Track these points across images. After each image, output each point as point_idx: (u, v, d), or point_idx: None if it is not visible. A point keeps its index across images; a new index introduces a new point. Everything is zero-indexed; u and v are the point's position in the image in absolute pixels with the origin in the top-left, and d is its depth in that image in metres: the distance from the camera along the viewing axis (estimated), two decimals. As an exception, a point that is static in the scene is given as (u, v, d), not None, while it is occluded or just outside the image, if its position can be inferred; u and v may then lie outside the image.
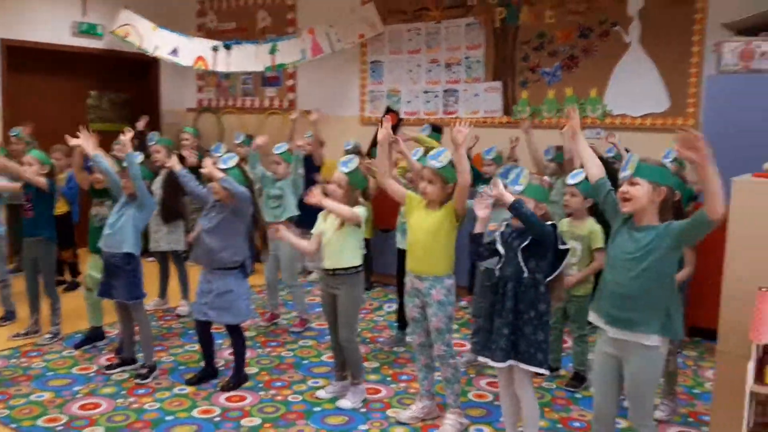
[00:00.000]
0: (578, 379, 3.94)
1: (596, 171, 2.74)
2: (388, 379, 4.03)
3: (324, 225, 3.58)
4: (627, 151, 4.90)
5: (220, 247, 3.64)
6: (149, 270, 4.74)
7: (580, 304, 3.87)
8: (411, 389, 3.87)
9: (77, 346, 4.41)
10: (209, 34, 8.05)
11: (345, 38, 6.86)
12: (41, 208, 4.48)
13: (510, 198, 2.82)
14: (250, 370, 4.08)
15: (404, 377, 4.07)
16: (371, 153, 6.91)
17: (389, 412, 3.56)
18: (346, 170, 3.51)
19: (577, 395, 3.85)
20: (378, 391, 3.83)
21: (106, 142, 5.25)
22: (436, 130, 5.64)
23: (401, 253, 4.40)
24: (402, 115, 6.80)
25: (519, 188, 2.92)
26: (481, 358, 3.08)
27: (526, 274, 2.88)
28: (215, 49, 7.14)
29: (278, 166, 4.87)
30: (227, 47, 7.12)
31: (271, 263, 4.97)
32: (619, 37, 5.58)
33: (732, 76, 4.68)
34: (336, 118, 7.26)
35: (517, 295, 2.89)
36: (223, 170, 3.64)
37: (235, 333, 3.82)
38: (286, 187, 4.84)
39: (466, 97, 6.43)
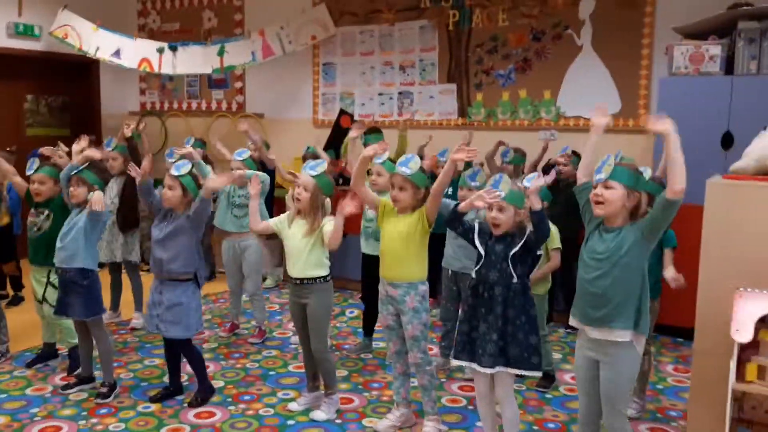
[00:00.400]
0: (548, 379, 3.98)
1: (586, 173, 2.76)
2: (360, 387, 3.97)
3: (288, 230, 3.47)
4: (575, 153, 5.00)
5: (171, 258, 3.49)
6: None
7: (538, 303, 3.89)
8: (384, 397, 3.82)
9: (29, 365, 4.18)
10: (152, 35, 7.81)
11: (297, 40, 6.76)
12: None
13: (539, 204, 2.82)
14: (215, 383, 3.94)
15: (375, 385, 4.02)
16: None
17: (365, 422, 3.51)
18: (314, 173, 3.43)
19: (548, 395, 3.89)
20: (351, 401, 3.76)
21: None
22: (377, 131, 5.62)
23: (366, 259, 4.37)
24: (356, 118, 6.74)
25: (501, 194, 2.91)
26: (459, 362, 3.06)
27: (515, 280, 2.88)
28: (160, 50, 6.91)
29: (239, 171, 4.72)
30: (173, 49, 6.90)
31: (234, 271, 4.82)
32: (572, 40, 5.69)
33: (683, 78, 4.84)
34: (288, 120, 7.16)
35: (506, 301, 2.88)
36: (176, 177, 3.51)
37: (186, 347, 3.67)
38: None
39: (421, 99, 6.43)
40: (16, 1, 7.02)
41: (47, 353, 4.28)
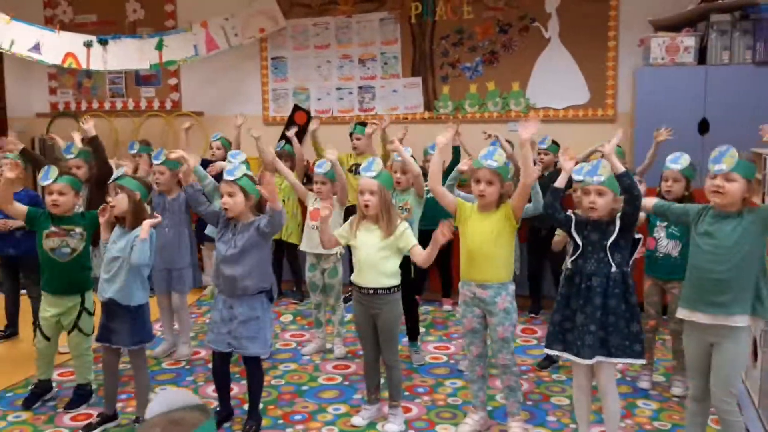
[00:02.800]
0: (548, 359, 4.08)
1: (650, 201, 3.00)
2: (407, 394, 3.79)
3: (355, 239, 3.25)
4: (554, 143, 5.10)
5: (245, 274, 3.16)
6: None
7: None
8: (439, 401, 3.68)
9: (27, 406, 3.59)
10: (63, 28, 7.00)
11: (243, 33, 6.36)
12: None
13: (621, 166, 2.79)
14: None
15: (420, 390, 3.86)
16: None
17: (439, 429, 3.35)
18: (374, 174, 3.20)
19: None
20: (409, 409, 3.58)
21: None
22: (362, 124, 5.49)
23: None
24: (313, 114, 6.47)
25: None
26: (552, 352, 3.02)
27: (614, 269, 2.86)
28: (88, 44, 6.21)
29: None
30: (103, 42, 6.23)
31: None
32: (539, 32, 5.79)
33: (659, 68, 5.08)
34: (233, 118, 6.70)
35: (606, 291, 2.86)
36: (233, 181, 3.17)
37: (255, 365, 3.34)
38: None
39: (383, 93, 6.28)
40: None
41: (43, 389, 3.70)
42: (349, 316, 4.52)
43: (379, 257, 3.18)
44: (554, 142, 5.09)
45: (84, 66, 6.24)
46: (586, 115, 5.74)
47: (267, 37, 6.49)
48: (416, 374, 4.08)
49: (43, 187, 4.34)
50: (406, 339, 4.27)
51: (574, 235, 2.94)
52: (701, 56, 5.03)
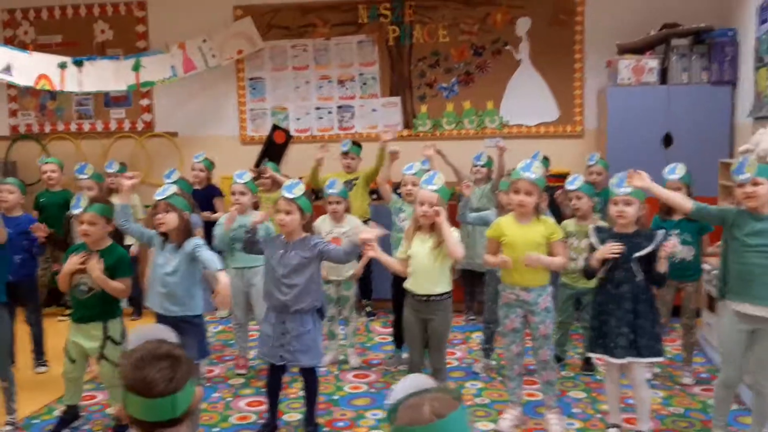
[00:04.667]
0: (590, 363, 4.36)
1: (689, 202, 3.23)
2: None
3: (414, 248, 3.44)
4: (547, 159, 5.49)
5: (299, 295, 3.31)
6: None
7: (590, 295, 4.26)
8: (466, 402, 3.91)
9: (56, 434, 3.55)
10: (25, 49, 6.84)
11: (221, 54, 6.43)
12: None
13: (665, 267, 3.11)
14: (290, 416, 3.73)
15: (446, 392, 4.08)
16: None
17: (479, 425, 3.58)
18: (435, 188, 3.41)
19: (599, 377, 4.26)
20: (443, 410, 3.79)
21: None
22: (357, 144, 5.69)
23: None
24: (292, 133, 6.61)
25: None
26: (594, 355, 3.34)
27: (639, 278, 3.19)
28: (62, 66, 6.11)
29: (243, 197, 4.42)
30: (78, 64, 6.15)
31: (241, 301, 4.49)
32: (511, 54, 6.19)
33: (626, 88, 5.57)
34: (208, 138, 6.75)
35: (635, 297, 3.19)
36: (292, 199, 3.31)
37: (310, 375, 3.47)
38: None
39: (362, 112, 6.51)
40: None
41: (72, 415, 3.67)
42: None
43: (432, 266, 3.38)
44: (545, 158, 5.40)
45: (58, 88, 6.12)
46: (557, 131, 6.18)
47: (244, 59, 6.58)
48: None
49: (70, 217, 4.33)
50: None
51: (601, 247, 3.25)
52: (663, 76, 5.55)
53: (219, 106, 6.76)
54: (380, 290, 5.35)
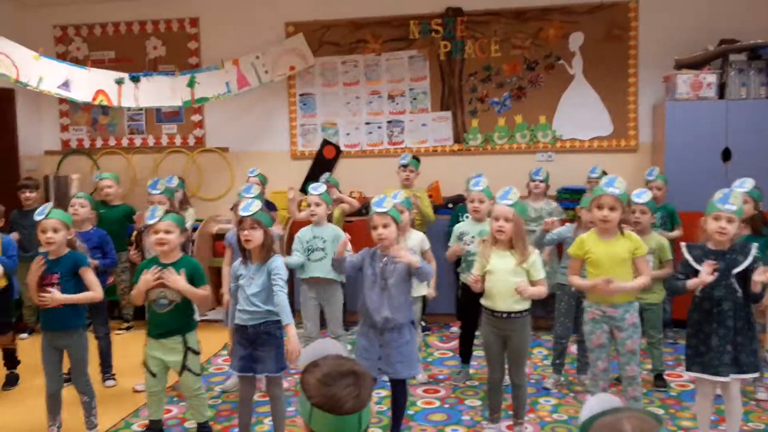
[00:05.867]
0: (662, 379, 4.34)
1: None
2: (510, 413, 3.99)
3: (493, 265, 3.45)
4: (605, 173, 5.48)
5: (397, 309, 3.36)
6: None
7: (654, 310, 4.26)
8: (545, 419, 3.90)
9: (142, 449, 3.58)
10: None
11: (274, 70, 6.49)
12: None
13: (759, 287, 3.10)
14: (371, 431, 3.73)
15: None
16: (305, 188, 6.68)
17: (563, 442, 3.58)
18: (510, 203, 3.43)
19: (673, 393, 4.24)
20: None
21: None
22: (416, 158, 5.72)
23: (467, 287, 4.38)
24: (342, 148, 6.65)
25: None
26: (693, 374, 3.31)
27: (739, 294, 3.18)
28: (119, 81, 6.20)
29: (318, 208, 4.44)
30: (134, 79, 6.24)
31: (312, 313, 4.49)
32: (564, 69, 6.21)
33: (685, 102, 5.57)
34: (259, 153, 6.81)
35: (736, 314, 3.18)
36: (385, 212, 3.33)
37: (403, 388, 3.49)
38: (329, 234, 4.39)
39: (411, 127, 6.54)
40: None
41: (155, 430, 3.69)
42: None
43: (512, 282, 3.38)
44: (604, 172, 5.38)
45: (115, 103, 6.21)
46: (611, 146, 6.17)
47: (295, 75, 6.64)
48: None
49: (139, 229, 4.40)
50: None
51: (698, 267, 3.22)
52: (721, 91, 5.54)
53: (270, 122, 6.82)
54: (432, 305, 5.33)
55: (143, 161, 7.07)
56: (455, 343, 5.34)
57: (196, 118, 6.96)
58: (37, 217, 3.50)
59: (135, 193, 7.01)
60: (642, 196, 4.21)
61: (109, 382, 4.63)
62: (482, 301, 3.53)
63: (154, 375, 3.55)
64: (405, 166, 5.53)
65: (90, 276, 3.58)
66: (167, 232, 3.42)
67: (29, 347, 5.02)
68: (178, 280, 3.37)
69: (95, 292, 3.57)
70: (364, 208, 6.19)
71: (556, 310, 4.43)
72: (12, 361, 4.71)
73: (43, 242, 3.50)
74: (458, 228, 4.40)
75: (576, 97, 6.21)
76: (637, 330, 3.40)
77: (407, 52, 6.48)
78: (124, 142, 7.11)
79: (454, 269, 5.28)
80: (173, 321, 3.47)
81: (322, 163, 6.65)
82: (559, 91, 6.24)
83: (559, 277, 4.36)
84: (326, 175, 5.77)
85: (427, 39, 6.42)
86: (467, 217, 4.58)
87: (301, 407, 1.57)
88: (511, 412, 3.73)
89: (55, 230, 3.48)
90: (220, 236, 6.11)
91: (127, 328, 5.95)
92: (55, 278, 3.50)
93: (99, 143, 7.15)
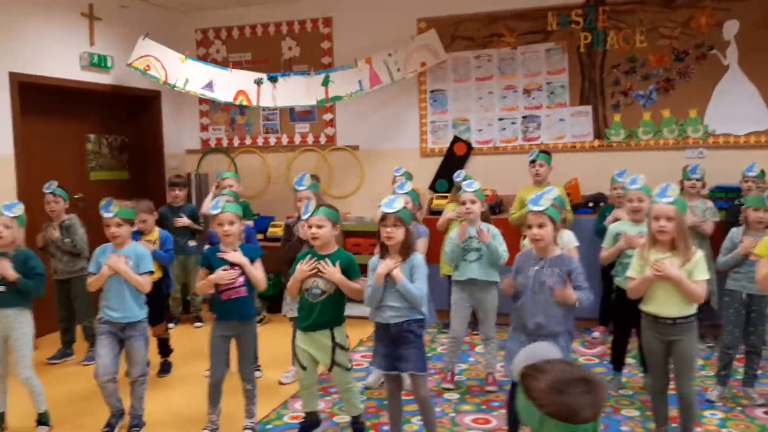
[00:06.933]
0: None
1: None
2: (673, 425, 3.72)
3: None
4: (763, 172, 5.06)
5: (552, 316, 3.22)
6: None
7: None
8: (713, 432, 3.62)
9: (301, 442, 3.61)
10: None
11: (406, 67, 6.45)
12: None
13: None
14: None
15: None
16: (435, 186, 6.60)
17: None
18: (671, 200, 3.18)
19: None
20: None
21: (107, 194, 4.29)
22: (545, 152, 5.53)
23: (621, 291, 4.13)
24: (474, 144, 6.53)
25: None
26: None
27: None
28: (258, 82, 6.38)
29: (473, 205, 4.22)
30: (273, 80, 6.39)
31: (461, 315, 4.37)
32: (717, 59, 5.78)
33: None
34: (388, 151, 6.81)
35: None
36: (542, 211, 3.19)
37: None
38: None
39: (548, 122, 6.31)
40: (87, 30, 6.27)
41: (312, 423, 3.72)
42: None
43: (677, 287, 3.14)
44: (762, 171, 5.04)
45: (254, 103, 6.40)
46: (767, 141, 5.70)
47: (426, 71, 6.58)
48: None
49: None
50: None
51: None
52: None
53: (400, 119, 6.80)
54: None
55: (277, 160, 7.25)
56: (600, 349, 5.12)
57: (327, 116, 7.05)
58: (213, 211, 3.61)
59: (269, 190, 7.23)
60: None
61: (256, 374, 4.73)
62: (642, 307, 3.30)
63: (304, 368, 3.57)
64: (533, 161, 5.35)
65: (260, 267, 3.66)
66: (319, 226, 3.44)
67: (176, 337, 5.26)
68: (334, 272, 3.38)
69: (262, 282, 3.65)
70: (498, 207, 6.05)
71: (725, 318, 4.10)
72: (165, 349, 4.93)
73: (220, 235, 3.60)
74: (614, 228, 4.16)
75: (730, 89, 5.76)
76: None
77: (544, 45, 6.25)
78: (260, 141, 7.31)
79: (601, 272, 5.04)
80: (324, 313, 3.47)
81: (453, 161, 6.55)
82: (711, 83, 5.81)
83: (729, 282, 4.03)
84: (461, 172, 5.64)
85: (566, 30, 6.17)
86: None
87: (526, 414, 1.47)
88: (674, 425, 3.48)
89: (231, 223, 3.57)
90: (348, 233, 6.20)
91: (260, 321, 6.09)
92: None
93: (236, 142, 7.40)
